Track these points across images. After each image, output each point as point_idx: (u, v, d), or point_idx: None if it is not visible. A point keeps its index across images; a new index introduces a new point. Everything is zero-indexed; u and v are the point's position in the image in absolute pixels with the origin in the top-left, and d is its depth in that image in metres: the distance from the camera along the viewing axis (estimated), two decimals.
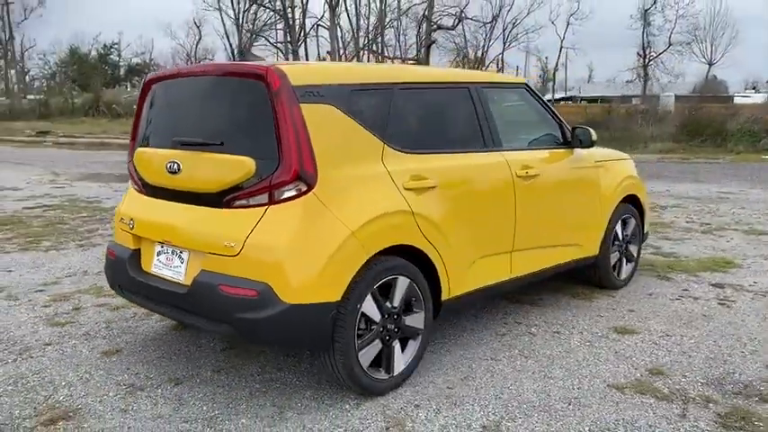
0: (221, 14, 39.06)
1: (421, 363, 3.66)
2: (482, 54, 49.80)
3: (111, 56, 58.15)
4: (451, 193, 3.61)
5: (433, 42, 36.54)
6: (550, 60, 52.11)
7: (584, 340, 4.12)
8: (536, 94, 4.55)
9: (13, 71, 57.06)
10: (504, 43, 46.70)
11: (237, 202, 3.11)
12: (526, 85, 4.54)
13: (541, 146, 4.50)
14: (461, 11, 35.89)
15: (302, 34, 31.91)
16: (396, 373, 3.38)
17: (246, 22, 38.32)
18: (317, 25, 32.07)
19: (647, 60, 44.52)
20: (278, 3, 31.41)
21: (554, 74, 50.28)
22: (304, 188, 3.02)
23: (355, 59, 31.10)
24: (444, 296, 3.61)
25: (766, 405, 3.24)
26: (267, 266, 2.98)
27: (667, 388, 3.44)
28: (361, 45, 30.29)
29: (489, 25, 43.12)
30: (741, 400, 3.31)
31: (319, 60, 34.23)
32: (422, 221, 3.40)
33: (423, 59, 35.28)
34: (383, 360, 3.33)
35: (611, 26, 63.77)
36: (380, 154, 3.33)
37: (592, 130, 4.55)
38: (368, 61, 31.06)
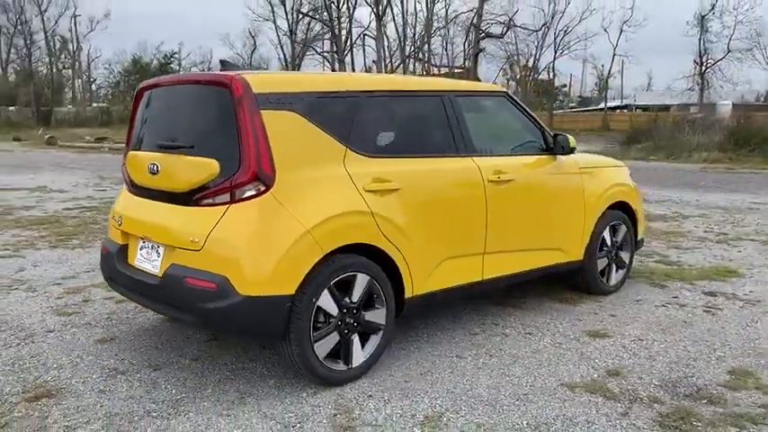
0: (275, 26, 40.07)
1: (386, 357, 3.85)
2: (534, 62, 49.58)
3: (172, 65, 60.08)
4: (416, 196, 3.78)
5: (481, 50, 36.56)
6: (606, 68, 51.30)
7: (555, 342, 4.21)
8: (517, 103, 4.68)
9: (79, 80, 59.84)
10: (555, 51, 46.39)
11: (204, 201, 3.36)
12: (506, 93, 4.67)
13: (520, 152, 4.63)
14: (510, 19, 35.82)
15: (348, 44, 32.36)
16: (354, 365, 3.56)
17: (297, 33, 39.10)
18: (364, 35, 32.49)
19: (704, 68, 43.40)
20: (325, 14, 31.99)
21: (606, 82, 49.47)
22: (262, 188, 3.25)
23: (401, 68, 31.38)
24: (408, 294, 3.78)
25: (712, 407, 3.30)
26: (226, 260, 3.22)
27: (619, 388, 3.52)
28: (407, 53, 30.51)
29: (541, 33, 42.95)
30: (689, 401, 3.37)
31: (365, 69, 34.69)
32: (382, 222, 3.58)
33: (471, 68, 35.37)
34: (341, 352, 3.52)
35: (667, 33, 62.36)
36: (342, 157, 3.54)
37: (570, 137, 4.65)
38: (413, 70, 31.29)
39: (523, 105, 4.71)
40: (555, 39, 45.68)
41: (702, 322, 4.60)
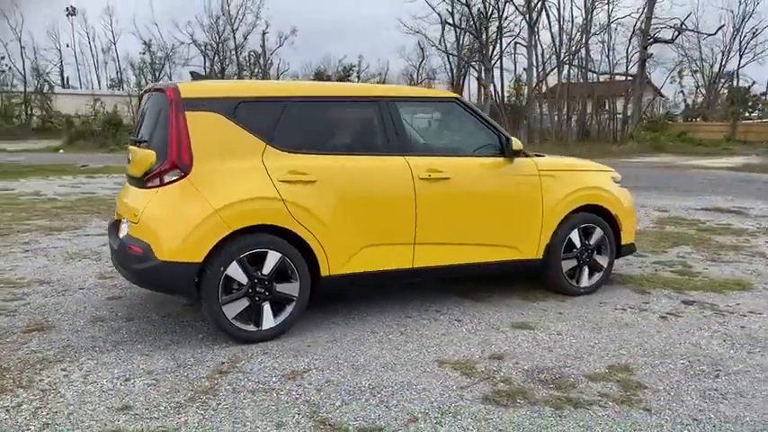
0: (443, 37, 40.98)
1: (310, 325, 4.47)
2: (720, 68, 45.93)
3: (350, 77, 63.70)
4: (333, 188, 4.34)
5: (650, 56, 34.75)
6: None
7: (472, 329, 4.53)
8: (469, 108, 5.01)
9: None
10: (741, 55, 42.80)
11: (148, 184, 4.21)
12: (457, 99, 5.02)
13: (468, 154, 4.96)
14: (681, 22, 33.70)
15: (496, 51, 32.47)
16: (264, 327, 4.21)
17: (463, 44, 39.64)
18: (515, 43, 32.40)
19: None
20: (471, 23, 32.42)
21: None
22: (181, 175, 4.03)
23: (555, 74, 30.90)
24: (324, 273, 4.35)
25: (552, 391, 3.52)
26: (150, 231, 4.04)
27: (484, 368, 3.83)
28: (562, 59, 29.97)
29: (728, 37, 39.95)
30: (535, 384, 3.61)
31: (515, 78, 34.68)
32: (294, 208, 4.19)
33: (638, 74, 33.81)
34: (252, 315, 4.19)
35: None
36: (261, 152, 4.21)
37: (514, 140, 4.89)
38: (568, 77, 30.66)
39: (477, 110, 5.04)
40: (740, 43, 42.21)
41: (643, 326, 4.64)
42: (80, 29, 78.50)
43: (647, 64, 35.08)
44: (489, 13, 31.55)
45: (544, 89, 32.19)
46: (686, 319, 4.80)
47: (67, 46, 64.66)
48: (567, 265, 5.30)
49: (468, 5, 31.65)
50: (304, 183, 4.26)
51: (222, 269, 4.05)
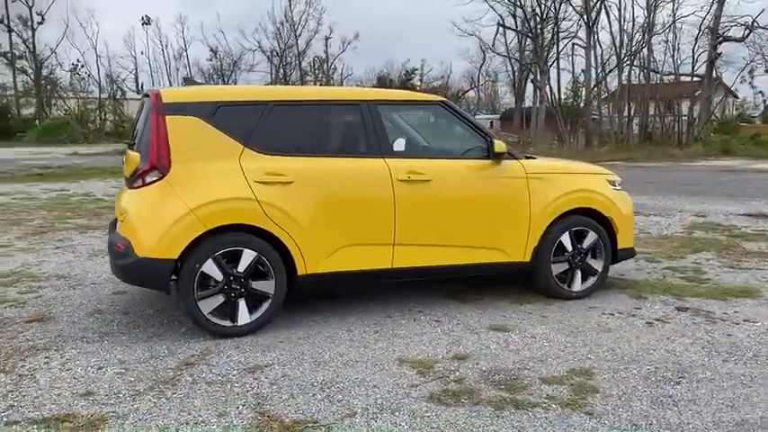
0: (504, 37, 40.58)
1: (287, 322, 4.60)
2: None
3: (412, 80, 63.93)
4: (309, 189, 4.47)
5: (719, 56, 33.41)
6: None
7: (448, 330, 4.57)
8: (455, 111, 5.04)
9: None
10: None
11: (134, 185, 4.45)
12: (442, 102, 5.06)
13: (453, 156, 5.00)
14: (753, 20, 32.24)
15: (552, 53, 31.89)
16: (240, 323, 4.37)
17: (525, 46, 39.21)
18: (573, 44, 31.76)
19: None
20: (526, 25, 31.97)
21: None
22: (160, 176, 4.24)
23: (617, 74, 30.12)
24: (300, 272, 4.48)
25: (501, 392, 3.53)
26: (131, 229, 4.28)
27: (442, 368, 3.87)
28: (623, 59, 29.18)
29: None
30: (487, 385, 3.63)
31: (573, 79, 33.97)
32: (269, 208, 4.34)
33: (706, 74, 32.61)
34: (228, 311, 4.36)
35: None
36: (239, 154, 4.38)
37: (497, 143, 4.89)
38: (629, 78, 29.85)
39: (463, 114, 5.06)
40: None
41: (626, 331, 4.56)
42: (154, 37, 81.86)
43: (715, 64, 33.77)
44: (545, 14, 31.10)
45: (604, 93, 31.45)
46: (673, 325, 4.69)
47: (142, 53, 67.48)
48: (558, 268, 5.25)
49: (521, 7, 31.29)
50: (281, 184, 4.41)
51: (198, 266, 4.24)
